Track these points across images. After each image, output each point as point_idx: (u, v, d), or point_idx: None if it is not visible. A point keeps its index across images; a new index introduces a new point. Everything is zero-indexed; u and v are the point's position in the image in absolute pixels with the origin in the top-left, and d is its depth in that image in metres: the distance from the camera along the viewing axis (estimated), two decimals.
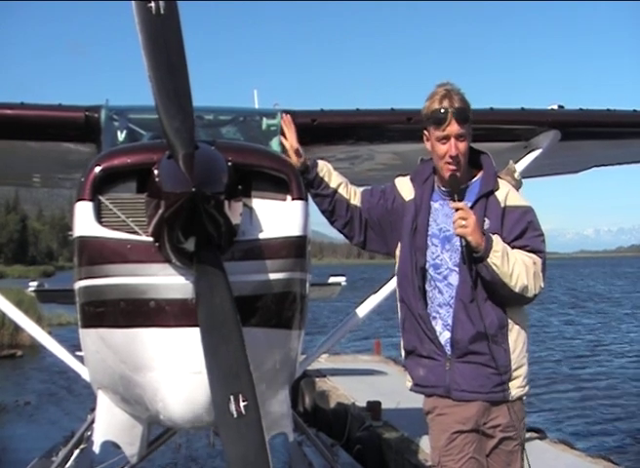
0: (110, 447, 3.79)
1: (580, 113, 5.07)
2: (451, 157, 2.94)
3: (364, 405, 8.51)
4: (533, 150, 5.06)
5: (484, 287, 2.93)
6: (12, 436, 10.37)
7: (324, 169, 3.36)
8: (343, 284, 10.53)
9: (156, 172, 2.97)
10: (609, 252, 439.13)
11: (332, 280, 10.51)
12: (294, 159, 3.42)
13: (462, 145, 2.96)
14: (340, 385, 10.36)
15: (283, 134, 3.56)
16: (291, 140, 3.47)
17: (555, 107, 5.11)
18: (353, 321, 5.18)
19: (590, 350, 20.35)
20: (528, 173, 5.16)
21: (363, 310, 5.12)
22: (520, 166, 4.97)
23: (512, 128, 5.00)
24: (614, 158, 6.19)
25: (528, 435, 6.82)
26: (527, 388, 3.05)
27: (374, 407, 8.14)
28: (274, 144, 4.52)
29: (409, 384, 3.16)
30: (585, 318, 30.05)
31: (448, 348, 2.99)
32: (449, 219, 2.98)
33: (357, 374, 11.30)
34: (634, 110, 5.07)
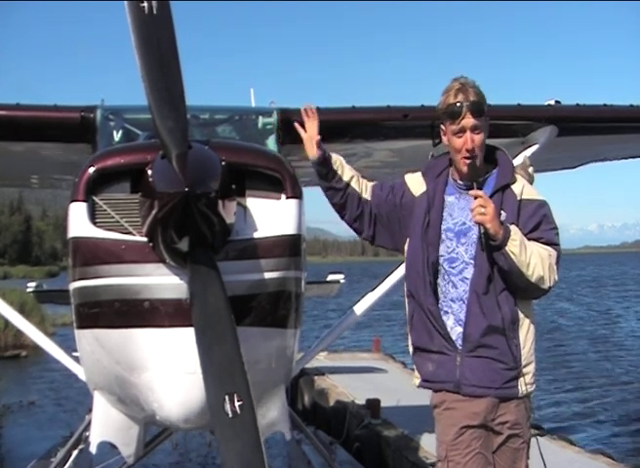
0: (108, 447, 3.79)
1: (576, 108, 5.07)
2: (467, 150, 2.94)
3: (363, 402, 8.49)
4: (530, 146, 5.05)
5: (500, 278, 2.92)
6: (15, 436, 10.37)
7: (337, 161, 3.28)
8: (342, 281, 10.52)
9: (150, 172, 2.97)
10: (613, 247, 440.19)
11: (330, 277, 10.50)
12: (313, 151, 3.23)
13: (478, 138, 2.95)
14: (340, 383, 10.32)
15: (301, 125, 3.33)
16: (312, 131, 3.27)
17: (552, 103, 5.10)
18: (351, 319, 5.18)
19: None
20: None
21: (361, 308, 5.11)
22: (517, 161, 4.96)
23: (509, 123, 4.98)
24: (611, 153, 6.19)
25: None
26: (535, 386, 3.05)
27: (373, 404, 8.11)
28: (270, 143, 4.51)
29: (417, 381, 3.13)
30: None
31: (459, 343, 2.97)
32: (464, 213, 2.98)
33: (356, 372, 11.28)
34: (631, 105, 5.07)
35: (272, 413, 3.69)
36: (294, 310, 3.52)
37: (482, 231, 2.87)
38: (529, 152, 5.00)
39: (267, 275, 3.31)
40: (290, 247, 3.40)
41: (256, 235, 3.31)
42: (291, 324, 3.52)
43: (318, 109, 3.37)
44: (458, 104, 2.93)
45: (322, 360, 11.65)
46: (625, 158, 6.45)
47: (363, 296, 5.17)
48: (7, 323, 17.09)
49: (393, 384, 9.73)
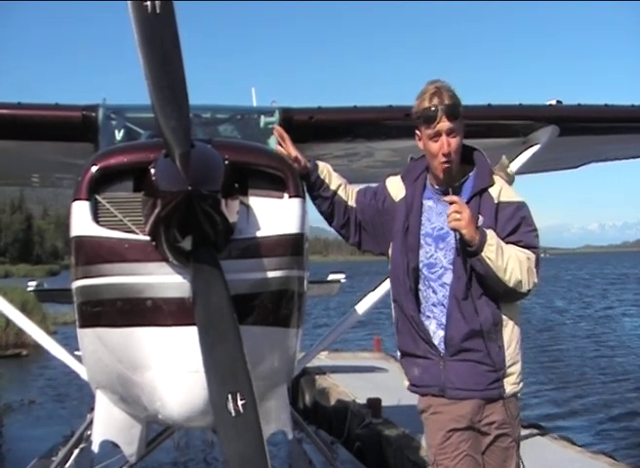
0: (110, 446, 3.78)
1: (578, 108, 5.07)
2: (443, 154, 2.94)
3: (364, 402, 8.50)
4: (531, 146, 5.05)
5: (478, 283, 2.92)
6: (16, 435, 10.38)
7: (324, 171, 3.37)
8: (343, 281, 10.53)
9: (152, 170, 2.97)
10: (614, 246, 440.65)
11: (331, 277, 10.51)
12: (295, 167, 3.41)
13: (454, 142, 2.95)
14: (341, 382, 10.34)
15: (280, 144, 3.54)
16: (288, 150, 3.46)
17: (553, 103, 5.11)
18: (352, 318, 5.18)
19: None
20: (526, 168, 5.16)
21: (362, 307, 5.12)
22: (519, 161, 4.97)
23: (510, 123, 4.99)
24: (612, 153, 6.20)
25: (528, 431, 6.83)
26: (521, 385, 3.06)
27: (374, 404, 8.12)
28: (272, 142, 4.51)
29: (406, 383, 3.17)
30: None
31: (442, 347, 2.99)
32: (442, 218, 2.97)
33: (357, 371, 11.29)
34: (632, 105, 5.07)
35: (274, 412, 3.68)
36: (296, 309, 3.52)
37: (458, 237, 2.88)
38: (529, 152, 5.01)
39: (270, 274, 3.31)
40: (292, 246, 3.40)
41: (258, 234, 3.31)
42: (293, 323, 3.52)
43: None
44: (433, 108, 2.92)
45: (323, 359, 11.68)
46: (627, 158, 6.46)
47: (364, 296, 5.17)
48: (8, 321, 17.20)
49: (394, 383, 9.71)
